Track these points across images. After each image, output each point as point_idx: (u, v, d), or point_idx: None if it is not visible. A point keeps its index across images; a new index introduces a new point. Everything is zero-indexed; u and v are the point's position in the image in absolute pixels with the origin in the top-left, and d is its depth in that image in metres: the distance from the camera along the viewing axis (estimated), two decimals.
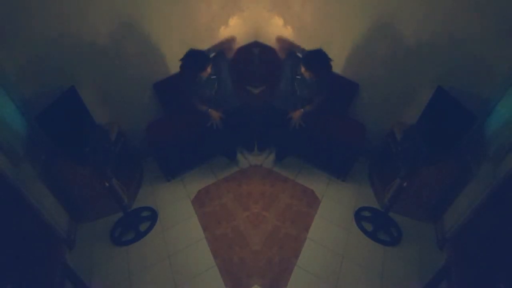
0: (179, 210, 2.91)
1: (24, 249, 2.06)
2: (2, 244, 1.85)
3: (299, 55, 2.71)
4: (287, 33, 3.01)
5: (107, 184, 2.36)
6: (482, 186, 2.25)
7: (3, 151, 2.10)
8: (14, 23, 2.06)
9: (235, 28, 3.07)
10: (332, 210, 2.91)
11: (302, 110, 2.76)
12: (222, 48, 2.81)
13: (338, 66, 2.90)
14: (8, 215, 2.00)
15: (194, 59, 2.41)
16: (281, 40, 2.97)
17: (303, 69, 2.48)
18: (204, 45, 2.99)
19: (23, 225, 2.17)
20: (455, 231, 2.45)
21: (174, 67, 2.95)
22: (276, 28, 3.08)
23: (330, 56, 2.40)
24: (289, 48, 2.89)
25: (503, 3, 1.98)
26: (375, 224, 2.74)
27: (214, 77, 2.66)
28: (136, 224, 2.77)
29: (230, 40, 2.94)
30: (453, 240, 2.47)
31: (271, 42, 3.22)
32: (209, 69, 2.50)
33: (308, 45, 2.95)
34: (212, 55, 2.68)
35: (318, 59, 2.39)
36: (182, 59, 2.41)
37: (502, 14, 2.01)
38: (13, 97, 2.25)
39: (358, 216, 2.84)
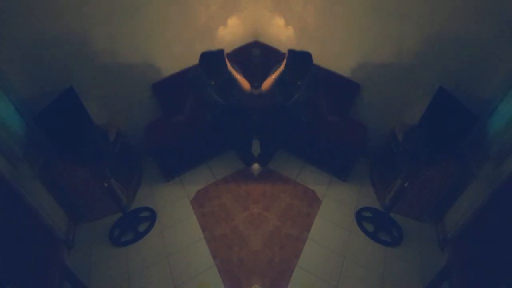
0: (178, 210, 2.90)
1: (23, 250, 2.05)
2: (1, 245, 1.84)
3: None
4: (289, 33, 3.00)
5: (106, 185, 2.35)
6: (483, 187, 2.24)
7: (2, 152, 2.09)
8: (12, 23, 2.04)
9: (234, 28, 3.06)
10: (333, 210, 2.90)
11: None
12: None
13: (339, 66, 2.89)
14: (6, 216, 1.99)
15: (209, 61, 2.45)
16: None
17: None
18: (202, 45, 2.97)
19: (22, 226, 2.16)
20: (456, 232, 2.44)
21: (173, 67, 2.94)
22: (278, 28, 3.07)
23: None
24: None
25: (504, 4, 1.96)
26: (376, 225, 2.73)
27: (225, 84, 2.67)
28: (135, 224, 2.76)
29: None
30: (454, 241, 2.46)
31: (272, 42, 3.21)
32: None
33: (310, 45, 2.94)
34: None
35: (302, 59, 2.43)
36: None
37: (503, 15, 2.00)
38: (12, 97, 2.24)
39: (359, 216, 2.83)
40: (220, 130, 3.03)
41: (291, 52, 2.41)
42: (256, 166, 3.27)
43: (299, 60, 2.41)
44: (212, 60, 2.43)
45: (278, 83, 2.58)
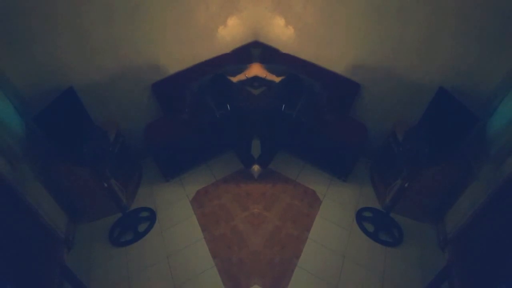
0: (178, 211, 2.90)
1: (23, 250, 2.05)
2: (1, 245, 1.83)
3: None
4: (289, 33, 2.99)
5: (105, 185, 2.34)
6: (483, 187, 2.23)
7: (2, 152, 2.09)
8: (12, 24, 2.04)
9: (233, 28, 3.06)
10: (333, 210, 2.90)
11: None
12: None
13: (339, 66, 2.89)
14: (6, 216, 1.98)
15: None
16: None
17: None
18: (202, 45, 2.97)
19: (22, 226, 2.15)
20: (457, 232, 2.44)
21: (173, 67, 2.94)
22: (278, 28, 3.07)
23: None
24: None
25: (505, 5, 1.96)
26: (377, 225, 2.73)
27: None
28: (134, 224, 2.75)
29: None
30: (454, 241, 2.46)
31: (272, 42, 3.20)
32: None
33: (310, 45, 2.94)
34: None
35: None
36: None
37: (504, 15, 1.99)
38: (11, 97, 2.24)
39: (360, 216, 2.83)
40: (220, 131, 3.04)
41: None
42: (256, 167, 3.27)
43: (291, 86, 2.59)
44: (224, 86, 2.48)
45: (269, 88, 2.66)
